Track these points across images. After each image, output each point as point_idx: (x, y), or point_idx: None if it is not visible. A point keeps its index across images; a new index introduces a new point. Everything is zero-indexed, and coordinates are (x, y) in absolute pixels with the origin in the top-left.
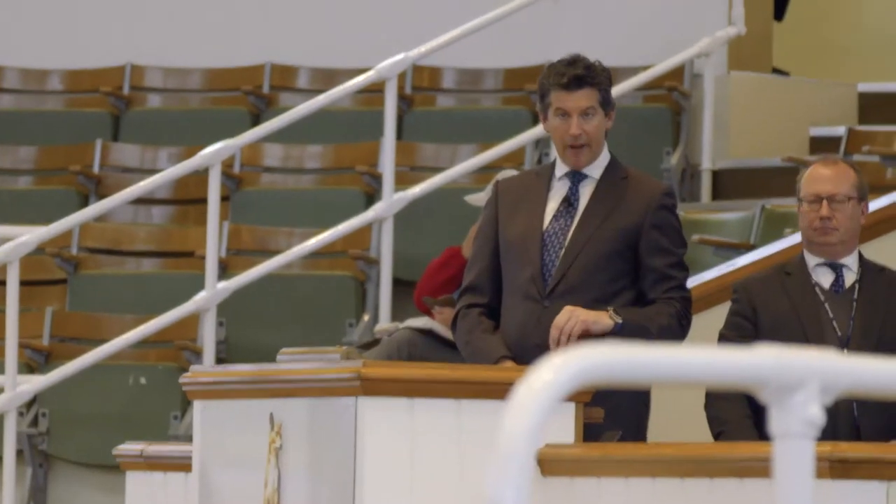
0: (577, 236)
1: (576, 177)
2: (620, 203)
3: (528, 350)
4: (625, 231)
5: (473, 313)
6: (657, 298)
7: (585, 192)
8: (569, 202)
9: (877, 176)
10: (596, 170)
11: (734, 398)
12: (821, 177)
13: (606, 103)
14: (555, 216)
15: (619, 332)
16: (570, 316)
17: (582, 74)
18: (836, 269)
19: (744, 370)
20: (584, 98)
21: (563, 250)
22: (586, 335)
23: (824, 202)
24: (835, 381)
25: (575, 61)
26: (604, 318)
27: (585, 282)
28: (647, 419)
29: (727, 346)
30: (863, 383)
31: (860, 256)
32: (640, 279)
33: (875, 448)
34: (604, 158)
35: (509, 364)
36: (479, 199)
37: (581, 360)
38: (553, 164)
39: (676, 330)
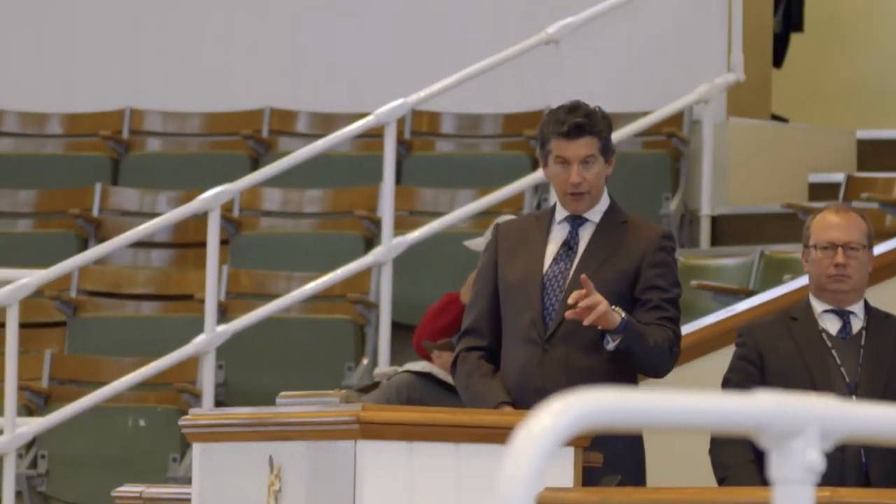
0: (576, 279)
1: (575, 221)
2: (619, 247)
3: (529, 394)
4: (623, 274)
5: (473, 357)
6: (650, 323)
7: (585, 236)
8: (568, 246)
9: (876, 223)
10: (596, 214)
11: (738, 443)
12: (833, 224)
13: (607, 150)
14: (554, 259)
15: (624, 329)
16: (599, 299)
17: (582, 123)
18: (844, 315)
19: (743, 416)
20: (584, 146)
21: (563, 294)
22: (599, 323)
23: (839, 250)
24: (835, 427)
25: (575, 108)
26: (614, 316)
27: (585, 325)
28: (644, 462)
29: (732, 390)
30: (863, 429)
31: (866, 303)
32: (635, 312)
33: (876, 494)
34: (603, 203)
35: (508, 409)
36: (479, 244)
37: (580, 406)
38: (553, 208)
39: (667, 353)
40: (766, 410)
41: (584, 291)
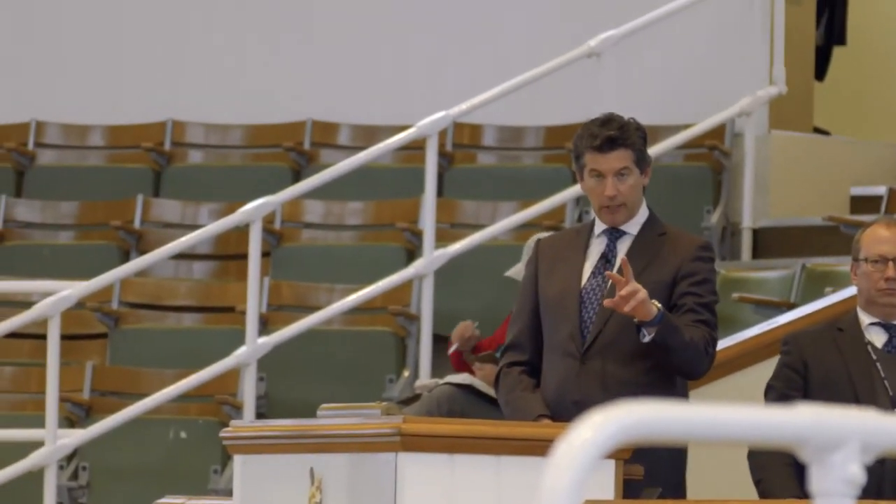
0: (613, 293)
1: (613, 234)
2: (656, 258)
3: (567, 406)
4: (660, 285)
5: (515, 372)
6: (686, 325)
7: (623, 249)
8: (606, 259)
9: None
10: (634, 226)
11: None
12: (884, 238)
13: (641, 161)
14: (592, 273)
15: (660, 321)
16: (640, 289)
17: (615, 136)
18: (890, 329)
19: (784, 429)
20: (617, 159)
21: (600, 307)
22: (636, 312)
23: (890, 264)
24: (875, 440)
25: (608, 122)
26: (652, 308)
27: (622, 337)
28: (685, 475)
29: (776, 398)
30: None
31: None
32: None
33: None
34: (642, 215)
35: (547, 422)
36: (518, 271)
37: (621, 418)
38: (592, 222)
39: (702, 352)
40: (807, 424)
41: (622, 279)
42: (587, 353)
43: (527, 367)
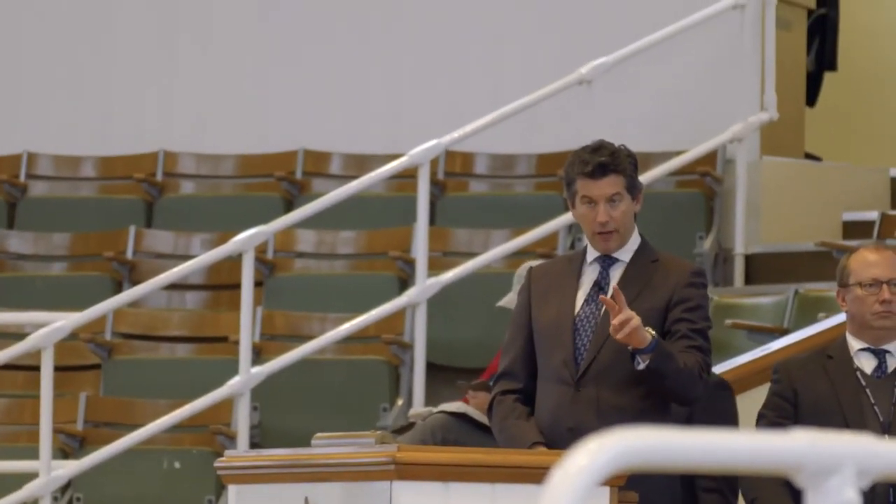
0: (606, 320)
1: (606, 261)
2: (649, 285)
3: (561, 433)
4: (654, 311)
5: (509, 400)
6: (679, 351)
7: (615, 276)
8: (599, 286)
9: None
10: (626, 253)
11: None
12: (874, 262)
13: (633, 187)
14: (586, 301)
15: (654, 349)
16: (633, 315)
17: (606, 162)
18: (880, 354)
19: (779, 454)
20: (609, 185)
21: (594, 334)
22: (630, 340)
23: (884, 286)
24: (871, 465)
25: (599, 148)
26: (646, 335)
27: (617, 363)
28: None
29: (767, 426)
30: None
31: None
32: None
33: None
34: (634, 242)
35: (542, 449)
36: (511, 300)
37: (616, 445)
38: (584, 250)
39: (696, 377)
40: (802, 449)
41: (616, 305)
42: (581, 380)
43: (520, 395)
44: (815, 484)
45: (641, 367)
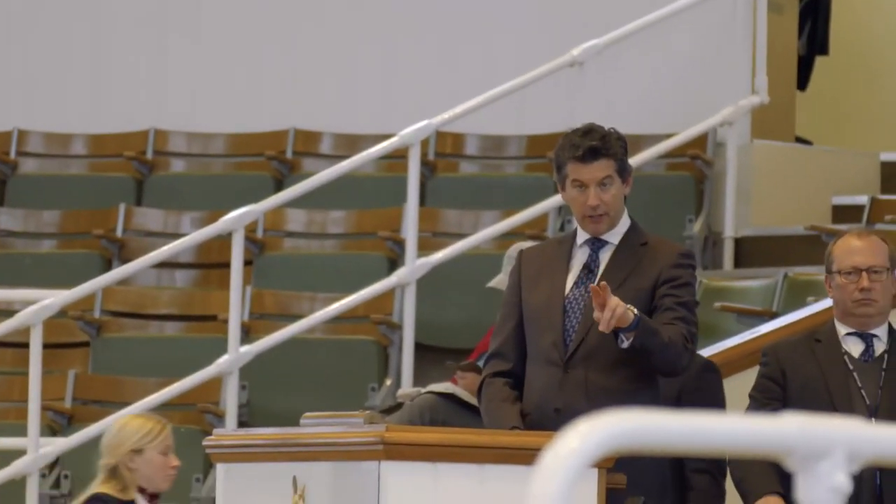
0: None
1: (595, 243)
2: (638, 267)
3: (549, 415)
4: (642, 293)
5: (498, 383)
6: (664, 324)
7: (605, 258)
8: (589, 269)
9: None
10: (615, 236)
11: None
12: (857, 249)
13: (623, 171)
14: (575, 283)
15: (637, 327)
16: (619, 303)
17: (597, 146)
18: (867, 338)
19: (770, 438)
20: (599, 169)
21: (583, 316)
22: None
23: (864, 274)
24: (861, 449)
25: (589, 132)
26: (629, 314)
27: (604, 346)
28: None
29: (756, 408)
30: (889, 452)
31: (890, 326)
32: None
33: None
34: (623, 224)
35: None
36: (501, 281)
37: (607, 428)
38: (574, 233)
39: (681, 349)
40: (793, 433)
41: (601, 294)
42: (570, 361)
43: (510, 377)
44: (805, 467)
45: (625, 344)
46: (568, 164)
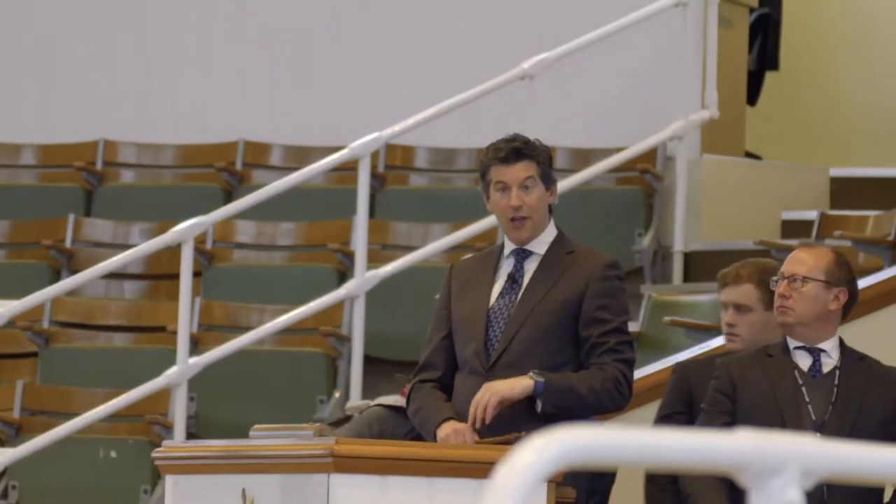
0: (519, 310)
1: (521, 254)
2: (563, 276)
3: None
4: (566, 304)
5: (426, 386)
6: (591, 365)
7: (530, 269)
8: (514, 279)
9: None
10: (541, 246)
11: None
12: (791, 258)
13: (547, 178)
14: (500, 293)
15: (543, 391)
16: (486, 390)
17: (519, 147)
18: (814, 353)
19: (723, 454)
20: (522, 170)
21: (506, 325)
22: (505, 403)
23: (784, 282)
24: (815, 466)
25: (513, 138)
26: (522, 381)
27: (527, 354)
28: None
29: (707, 421)
30: (842, 468)
31: (841, 342)
32: (579, 350)
33: None
34: (549, 234)
35: (452, 423)
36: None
37: (561, 443)
38: (502, 245)
39: (611, 393)
40: (746, 449)
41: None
42: (492, 369)
43: (438, 384)
44: (758, 484)
45: (540, 409)
46: (492, 168)
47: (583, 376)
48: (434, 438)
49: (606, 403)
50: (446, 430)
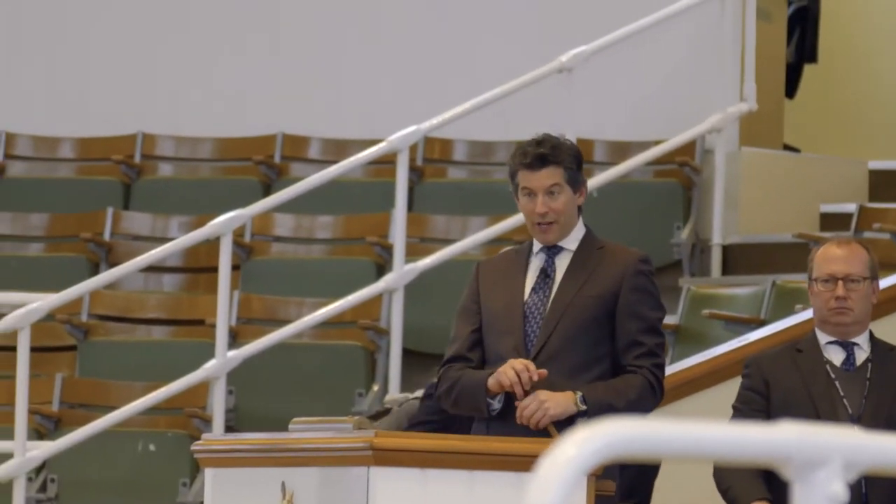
0: (555, 306)
1: (551, 250)
2: (596, 271)
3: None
4: (601, 298)
5: (454, 367)
6: (627, 365)
7: (562, 264)
8: (546, 274)
9: (887, 253)
10: (572, 242)
11: None
12: (834, 257)
13: (574, 180)
14: (533, 288)
15: (585, 414)
16: (539, 407)
17: (545, 153)
18: (848, 347)
19: (767, 446)
20: (547, 177)
21: (543, 320)
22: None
23: (839, 283)
24: (858, 458)
25: (542, 141)
26: (570, 405)
27: (566, 349)
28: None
29: (740, 420)
30: (885, 461)
31: (871, 335)
32: (615, 342)
33: None
34: (578, 231)
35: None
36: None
37: (604, 436)
38: (532, 242)
39: (647, 401)
40: (790, 441)
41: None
42: (533, 363)
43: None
44: (802, 476)
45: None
46: (519, 172)
47: (621, 388)
48: (483, 398)
49: (642, 409)
50: (500, 370)
